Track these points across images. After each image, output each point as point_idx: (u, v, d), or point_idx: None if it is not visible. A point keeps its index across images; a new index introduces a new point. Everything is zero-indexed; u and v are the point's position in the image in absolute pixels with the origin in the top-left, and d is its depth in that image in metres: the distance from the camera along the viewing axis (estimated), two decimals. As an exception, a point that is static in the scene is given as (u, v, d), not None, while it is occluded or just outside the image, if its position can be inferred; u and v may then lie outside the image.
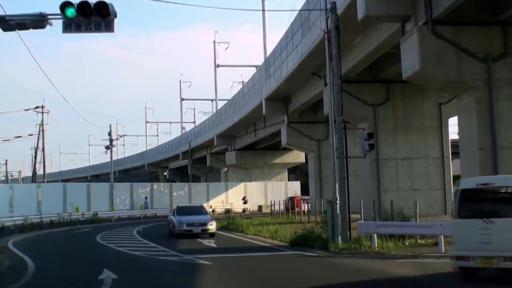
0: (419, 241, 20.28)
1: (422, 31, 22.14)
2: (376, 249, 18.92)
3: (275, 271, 16.46)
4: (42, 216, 43.10)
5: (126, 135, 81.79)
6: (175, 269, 17.19)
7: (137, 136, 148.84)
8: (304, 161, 69.41)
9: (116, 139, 61.47)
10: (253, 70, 58.71)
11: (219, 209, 63.20)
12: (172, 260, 18.85)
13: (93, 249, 24.35)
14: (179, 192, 63.11)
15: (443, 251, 17.66)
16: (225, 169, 78.39)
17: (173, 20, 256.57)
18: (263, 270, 16.76)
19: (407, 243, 20.06)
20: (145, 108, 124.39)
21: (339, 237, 20.59)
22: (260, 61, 52.06)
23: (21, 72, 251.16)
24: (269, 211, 53.13)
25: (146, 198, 59.93)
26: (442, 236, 17.75)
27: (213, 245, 24.32)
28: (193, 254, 20.11)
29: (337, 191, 20.88)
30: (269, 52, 47.98)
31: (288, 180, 75.17)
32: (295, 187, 68.41)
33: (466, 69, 22.36)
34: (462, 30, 22.50)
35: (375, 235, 19.24)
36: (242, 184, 68.24)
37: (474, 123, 22.75)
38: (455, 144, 35.68)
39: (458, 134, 25.96)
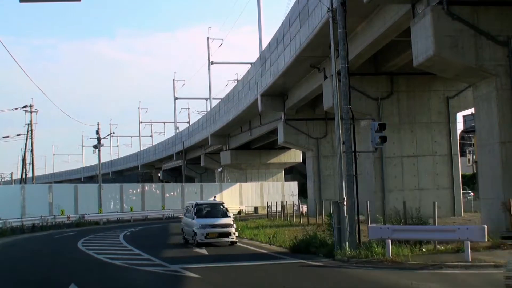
0: (438, 247, 17.80)
1: (437, 12, 20.07)
2: (391, 257, 16.43)
3: (276, 285, 14.08)
4: (23, 219, 40.56)
5: (113, 133, 78.62)
6: (154, 285, 14.77)
7: (131, 136, 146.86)
8: (301, 161, 67.56)
9: (104, 137, 58.70)
10: (249, 67, 56.32)
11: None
12: (155, 272, 16.27)
13: (69, 257, 21.83)
14: (172, 193, 60.67)
15: (469, 259, 15.23)
16: (220, 169, 76.26)
17: (170, 21, 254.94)
18: (261, 285, 14.36)
19: (424, 250, 17.59)
20: (139, 108, 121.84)
21: (347, 243, 18.06)
22: (255, 59, 49.64)
23: (17, 73, 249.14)
24: (265, 212, 50.81)
25: (215, 197, 58.12)
26: (469, 242, 15.31)
27: (204, 251, 21.82)
28: (180, 263, 17.59)
29: (344, 190, 18.39)
30: (264, 46, 45.67)
31: (285, 181, 72.93)
32: (292, 188, 66.13)
33: (486, 54, 20.40)
34: (481, 10, 20.53)
35: (389, 241, 16.74)
36: (237, 184, 66.02)
37: (494, 114, 20.77)
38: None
39: (475, 127, 23.68)
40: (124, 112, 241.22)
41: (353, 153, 18.22)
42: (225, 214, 25.40)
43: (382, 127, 18.64)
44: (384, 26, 25.65)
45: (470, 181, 64.51)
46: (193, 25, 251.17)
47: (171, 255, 21.01)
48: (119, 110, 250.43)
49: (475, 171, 67.18)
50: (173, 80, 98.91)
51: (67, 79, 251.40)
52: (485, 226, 15.57)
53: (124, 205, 55.42)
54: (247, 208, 63.79)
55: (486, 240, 15.90)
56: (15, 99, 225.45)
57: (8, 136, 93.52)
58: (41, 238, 33.37)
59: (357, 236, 18.41)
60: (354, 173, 18.17)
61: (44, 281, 15.75)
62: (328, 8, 19.06)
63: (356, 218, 18.48)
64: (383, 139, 18.54)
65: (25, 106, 63.09)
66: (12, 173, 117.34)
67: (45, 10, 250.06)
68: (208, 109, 79.64)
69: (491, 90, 20.80)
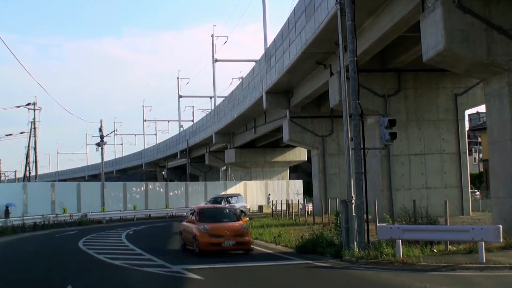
0: (449, 247, 17.22)
1: (447, 5, 19.46)
2: (401, 258, 15.85)
3: None
4: (24, 217, 40.07)
5: (117, 130, 78.36)
6: (154, 287, 14.24)
7: (135, 135, 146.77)
8: (306, 159, 67.02)
9: (107, 135, 58.19)
10: (253, 65, 55.82)
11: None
12: (156, 273, 15.70)
13: (69, 257, 21.27)
14: (176, 191, 60.10)
15: (484, 260, 14.64)
16: (224, 167, 75.80)
17: (176, 20, 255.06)
18: (266, 287, 13.81)
19: (435, 250, 17.01)
20: (143, 106, 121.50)
21: (355, 243, 17.49)
22: (260, 56, 49.08)
23: (23, 72, 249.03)
24: (270, 211, 50.25)
25: (269, 194, 59.23)
26: (483, 243, 14.72)
27: (208, 252, 21.24)
28: (183, 264, 17.04)
29: (352, 189, 17.81)
30: (269, 42, 45.10)
31: (290, 179, 72.38)
32: (297, 186, 65.61)
33: (498, 49, 19.79)
34: (493, 4, 19.91)
35: (400, 241, 16.17)
36: (242, 183, 65.47)
37: (506, 111, 20.20)
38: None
39: (486, 124, 23.06)
40: (129, 110, 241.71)
41: (361, 150, 17.63)
42: None
43: (392, 123, 18.02)
44: (392, 21, 25.08)
45: (477, 180, 63.87)
46: (198, 24, 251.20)
47: (174, 255, 20.47)
48: (124, 108, 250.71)
49: (481, 170, 66.77)
50: (178, 78, 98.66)
51: (73, 77, 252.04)
52: (500, 226, 14.99)
53: (128, 203, 54.89)
54: (252, 206, 63.27)
55: (501, 240, 15.31)
56: (20, 97, 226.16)
57: (11, 134, 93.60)
58: (42, 237, 32.87)
59: (366, 236, 17.80)
60: (363, 171, 17.59)
61: (41, 281, 15.26)
62: (336, 0, 18.46)
63: (365, 217, 17.88)
64: (393, 136, 17.94)
65: (28, 104, 62.75)
66: (16, 171, 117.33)
67: (51, 9, 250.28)
68: (213, 107, 79.23)
69: (503, 86, 20.22)
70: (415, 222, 18.61)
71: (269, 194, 59.93)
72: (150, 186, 59.88)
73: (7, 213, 40.88)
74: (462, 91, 33.40)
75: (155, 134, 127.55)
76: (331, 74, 32.75)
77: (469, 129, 79.80)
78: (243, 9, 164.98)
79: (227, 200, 44.86)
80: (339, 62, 20.02)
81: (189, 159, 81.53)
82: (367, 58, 29.97)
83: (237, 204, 44.67)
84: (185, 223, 22.35)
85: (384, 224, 17.88)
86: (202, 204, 45.16)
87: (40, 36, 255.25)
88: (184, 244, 21.92)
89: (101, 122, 55.98)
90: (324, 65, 34.02)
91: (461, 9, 19.26)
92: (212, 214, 22.12)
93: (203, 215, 21.39)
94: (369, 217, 20.48)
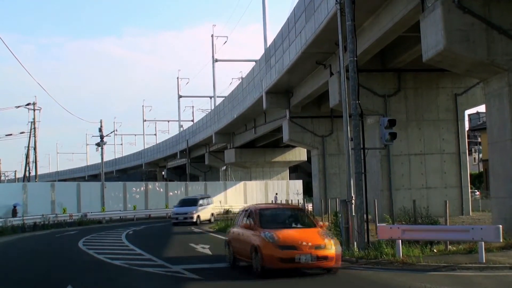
0: (449, 247, 17.21)
1: (447, 5, 19.47)
2: (401, 258, 15.86)
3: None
4: (24, 218, 40.06)
5: (116, 130, 78.37)
6: (153, 287, 14.24)
7: (135, 135, 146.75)
8: (306, 159, 67.04)
9: (107, 135, 58.15)
10: (253, 65, 55.76)
11: (217, 209, 60.15)
12: (155, 273, 15.70)
13: (68, 256, 21.28)
14: (175, 191, 60.05)
15: (484, 260, 14.64)
16: (224, 167, 75.75)
17: (177, 20, 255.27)
18: (266, 287, 13.76)
19: (435, 250, 17.02)
20: (143, 106, 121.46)
21: (355, 243, 17.51)
22: (260, 56, 49.02)
23: (24, 72, 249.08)
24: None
25: (276, 194, 59.23)
26: (483, 243, 14.72)
27: (208, 251, 21.26)
28: (183, 264, 17.05)
29: (352, 189, 17.81)
30: (269, 42, 45.07)
31: (289, 179, 72.35)
32: (297, 186, 65.57)
33: (498, 49, 19.80)
34: (493, 3, 19.94)
35: (400, 241, 16.17)
36: (242, 183, 65.45)
37: (506, 111, 20.21)
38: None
39: (486, 124, 23.06)
40: (129, 110, 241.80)
41: (361, 150, 17.64)
42: None
43: (392, 123, 18.03)
44: (392, 21, 25.07)
45: (477, 180, 63.89)
46: (198, 24, 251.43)
47: (174, 255, 20.49)
48: (124, 108, 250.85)
49: (481, 170, 66.80)
50: (178, 78, 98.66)
51: (73, 77, 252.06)
52: (500, 226, 15.00)
53: (128, 203, 54.85)
54: (252, 206, 63.18)
55: (501, 240, 15.31)
56: (20, 97, 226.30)
57: (11, 134, 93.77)
58: (42, 237, 32.88)
59: (366, 236, 17.80)
60: (363, 171, 17.59)
61: (41, 281, 15.26)
62: (336, 0, 18.45)
63: (365, 217, 17.89)
64: (393, 136, 17.95)
65: (28, 104, 62.78)
66: (16, 171, 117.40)
67: (51, 9, 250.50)
68: (213, 107, 79.19)
69: (503, 86, 20.22)
70: (415, 222, 18.62)
71: (276, 194, 59.89)
72: (150, 186, 59.85)
73: (14, 213, 41.05)
74: (462, 91, 33.39)
75: (155, 134, 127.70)
76: (331, 74, 32.74)
77: (469, 129, 79.83)
78: (243, 9, 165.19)
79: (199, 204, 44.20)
80: (339, 62, 20.01)
81: (189, 159, 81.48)
82: (367, 58, 29.96)
83: (209, 206, 44.49)
84: (236, 229, 16.95)
85: (384, 224, 17.89)
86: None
87: (41, 36, 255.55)
88: (235, 258, 16.44)
89: (101, 122, 56.02)
90: (324, 65, 34.00)
91: (461, 9, 19.27)
92: (278, 216, 16.47)
93: (265, 218, 15.76)
94: (369, 217, 20.44)
